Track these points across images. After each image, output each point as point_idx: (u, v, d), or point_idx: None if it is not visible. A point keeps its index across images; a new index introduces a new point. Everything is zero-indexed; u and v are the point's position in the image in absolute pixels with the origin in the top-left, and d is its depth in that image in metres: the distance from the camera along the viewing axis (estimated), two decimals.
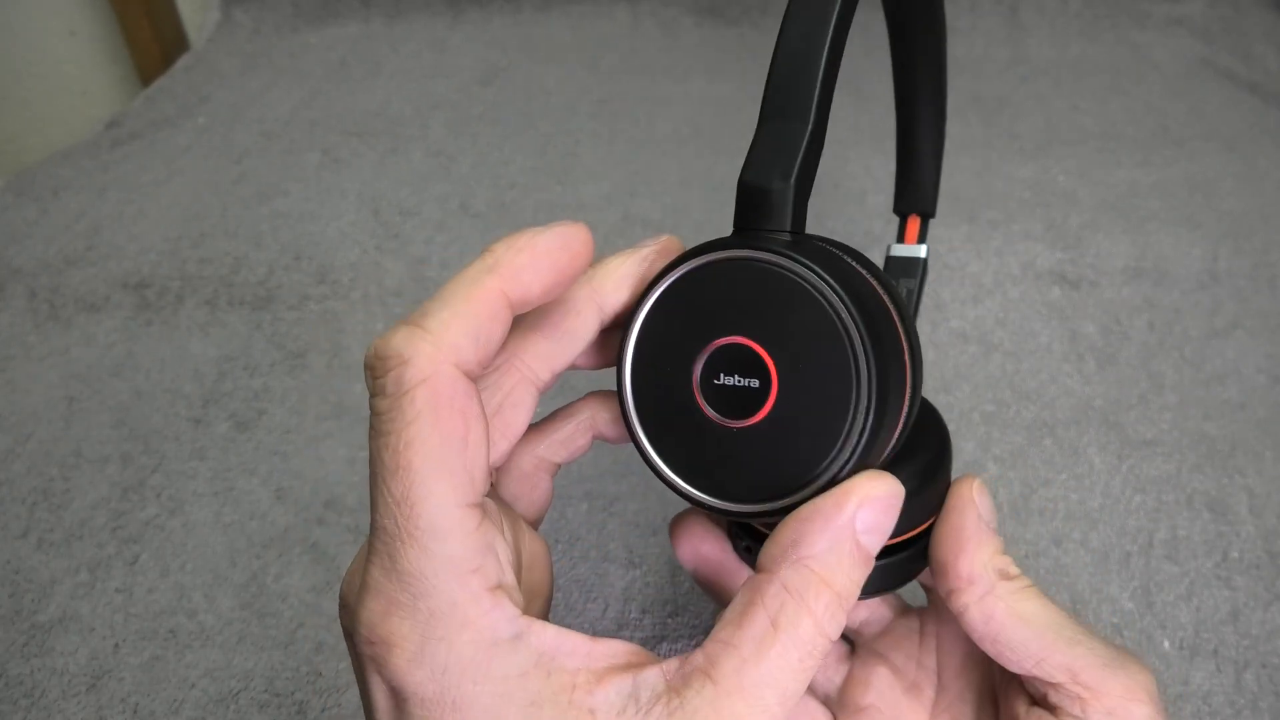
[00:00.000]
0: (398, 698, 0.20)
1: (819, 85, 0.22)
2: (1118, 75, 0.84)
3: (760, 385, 0.21)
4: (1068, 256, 0.60)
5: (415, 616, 0.19)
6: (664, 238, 0.24)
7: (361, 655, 0.20)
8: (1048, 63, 0.86)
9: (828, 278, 0.20)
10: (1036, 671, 0.24)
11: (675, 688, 0.19)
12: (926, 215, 0.36)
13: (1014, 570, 0.25)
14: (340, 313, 0.57)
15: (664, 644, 0.38)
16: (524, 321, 0.24)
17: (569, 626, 0.21)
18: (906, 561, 0.26)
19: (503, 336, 0.21)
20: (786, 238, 0.21)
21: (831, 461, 0.20)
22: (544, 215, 0.65)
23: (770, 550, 0.20)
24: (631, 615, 0.39)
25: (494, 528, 0.21)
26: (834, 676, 0.31)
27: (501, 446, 0.24)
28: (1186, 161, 0.70)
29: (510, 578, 0.21)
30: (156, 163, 0.75)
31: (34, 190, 0.71)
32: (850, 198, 0.66)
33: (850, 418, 0.20)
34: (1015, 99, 0.80)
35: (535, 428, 0.26)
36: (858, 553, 0.20)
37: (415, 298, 0.58)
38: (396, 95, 0.84)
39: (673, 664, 0.20)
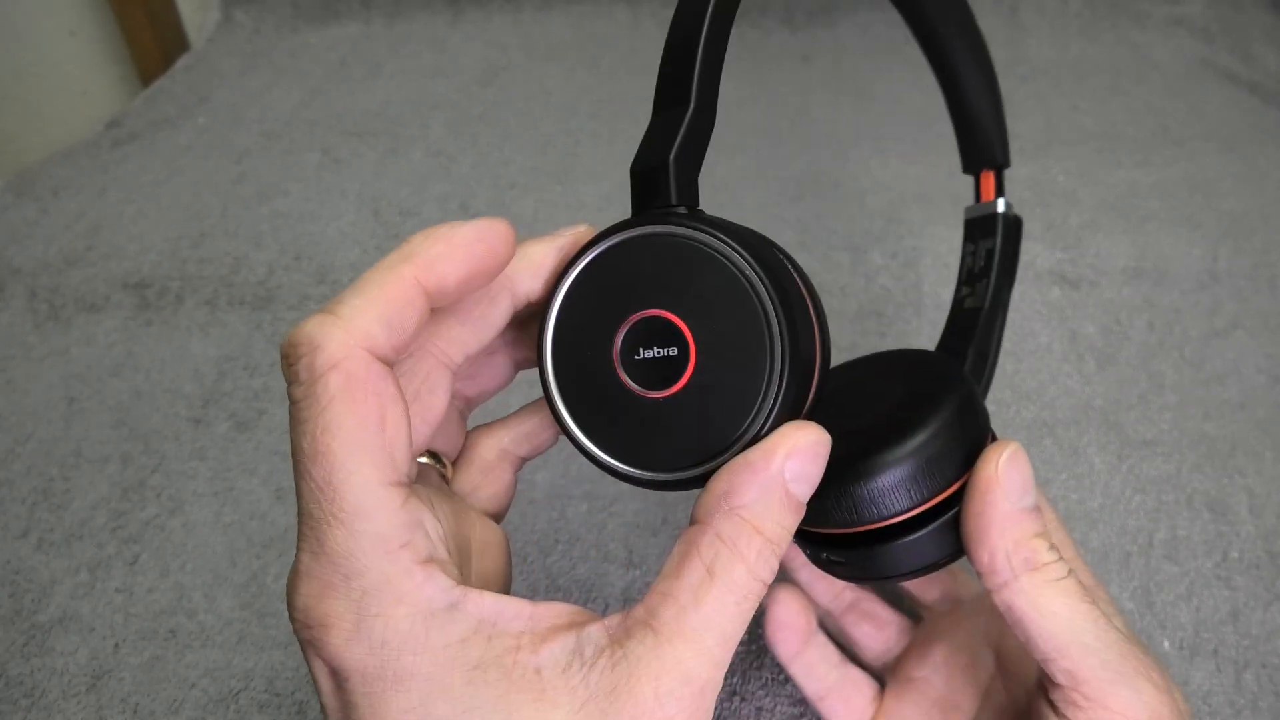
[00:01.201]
0: (338, 677, 0.20)
1: (698, 70, 0.23)
2: (1118, 75, 0.84)
3: (679, 353, 0.21)
4: (1068, 256, 0.60)
5: (349, 596, 0.20)
6: (579, 226, 0.25)
7: (301, 640, 0.20)
8: (1048, 63, 0.86)
9: (727, 239, 0.21)
10: (1044, 667, 0.24)
11: (618, 640, 0.20)
12: (999, 167, 0.34)
13: (1044, 557, 0.23)
14: None
15: None
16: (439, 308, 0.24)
17: None
18: (936, 535, 0.25)
19: (418, 324, 0.21)
20: (681, 211, 0.22)
21: (754, 419, 0.21)
22: (544, 215, 0.65)
23: (704, 502, 0.21)
24: None
25: (422, 505, 0.21)
26: (893, 647, 0.31)
27: (422, 430, 0.25)
28: (1186, 161, 0.70)
29: (442, 552, 0.21)
30: (156, 163, 0.75)
31: (34, 190, 0.71)
32: (850, 197, 0.66)
33: (768, 373, 0.21)
34: (1015, 99, 0.80)
35: (501, 421, 0.27)
36: (788, 500, 0.21)
37: None
38: (396, 95, 0.84)
39: (615, 619, 0.20)
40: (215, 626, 0.40)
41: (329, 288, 0.59)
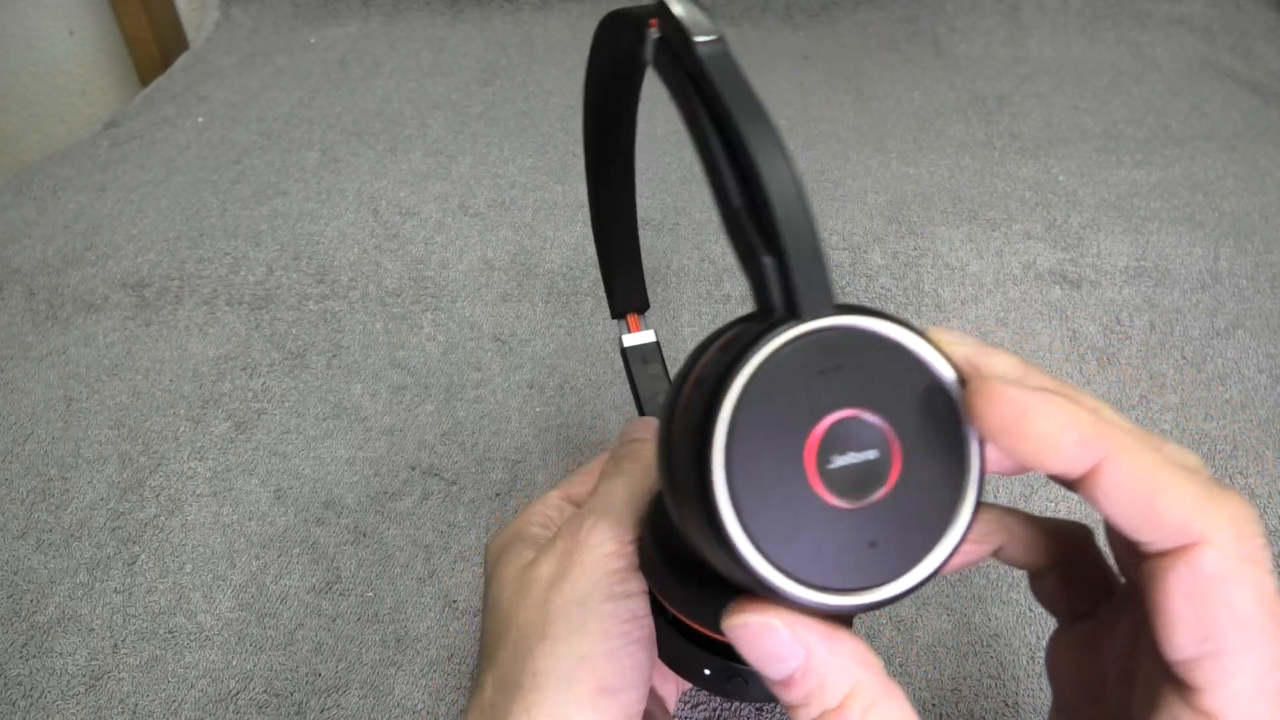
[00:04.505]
0: None
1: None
2: (1118, 75, 0.84)
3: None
4: (1068, 256, 0.60)
5: None
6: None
7: None
8: (1048, 62, 0.86)
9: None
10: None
11: None
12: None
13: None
14: (340, 313, 0.57)
15: None
16: None
17: None
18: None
19: None
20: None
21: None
22: (544, 215, 0.65)
23: None
24: None
25: None
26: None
27: None
28: (1187, 161, 0.70)
29: None
30: (156, 163, 0.75)
31: (34, 190, 0.71)
32: (850, 197, 0.66)
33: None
34: (1015, 99, 0.80)
35: None
36: None
37: (415, 297, 0.58)
38: (396, 95, 0.84)
39: None
40: (214, 627, 0.40)
41: (328, 287, 0.59)
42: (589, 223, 0.36)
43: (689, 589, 0.24)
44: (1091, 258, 0.59)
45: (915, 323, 0.20)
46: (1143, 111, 0.77)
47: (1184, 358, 0.51)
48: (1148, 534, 0.18)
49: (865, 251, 0.61)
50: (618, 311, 0.39)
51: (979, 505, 0.19)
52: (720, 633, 0.22)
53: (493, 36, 0.94)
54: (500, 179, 0.70)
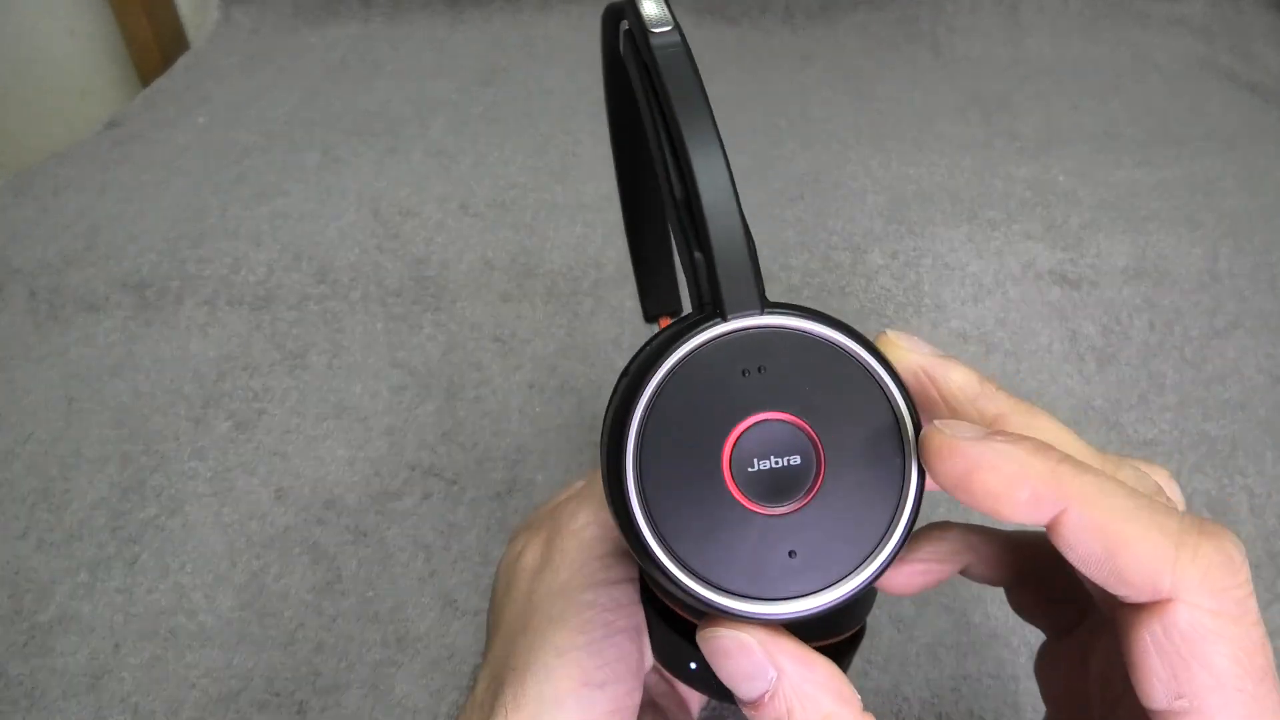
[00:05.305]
0: None
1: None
2: (1118, 75, 0.84)
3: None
4: (1068, 256, 0.60)
5: None
6: None
7: None
8: (1048, 63, 0.86)
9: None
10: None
11: None
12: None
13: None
14: (340, 313, 0.57)
15: None
16: None
17: None
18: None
19: None
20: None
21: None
22: (544, 215, 0.65)
23: None
24: None
25: None
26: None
27: None
28: (1187, 161, 0.70)
29: None
30: (156, 163, 0.75)
31: (34, 190, 0.71)
32: (850, 197, 0.66)
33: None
34: (1015, 99, 0.80)
35: None
36: None
37: (415, 298, 0.58)
38: (396, 95, 0.84)
39: None
40: (215, 626, 0.40)
41: (329, 287, 0.59)
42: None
43: None
44: (1091, 258, 0.60)
45: (864, 326, 0.20)
46: (1142, 111, 0.77)
47: (1183, 357, 0.52)
48: (1115, 589, 0.17)
49: (865, 251, 0.61)
50: (651, 315, 0.37)
51: (911, 525, 0.18)
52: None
53: (493, 37, 0.94)
54: (500, 179, 0.70)
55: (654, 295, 0.37)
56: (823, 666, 0.18)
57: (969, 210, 0.64)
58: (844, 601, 0.18)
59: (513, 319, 0.56)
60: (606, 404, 0.20)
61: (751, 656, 0.18)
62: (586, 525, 0.25)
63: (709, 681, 0.23)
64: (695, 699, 0.31)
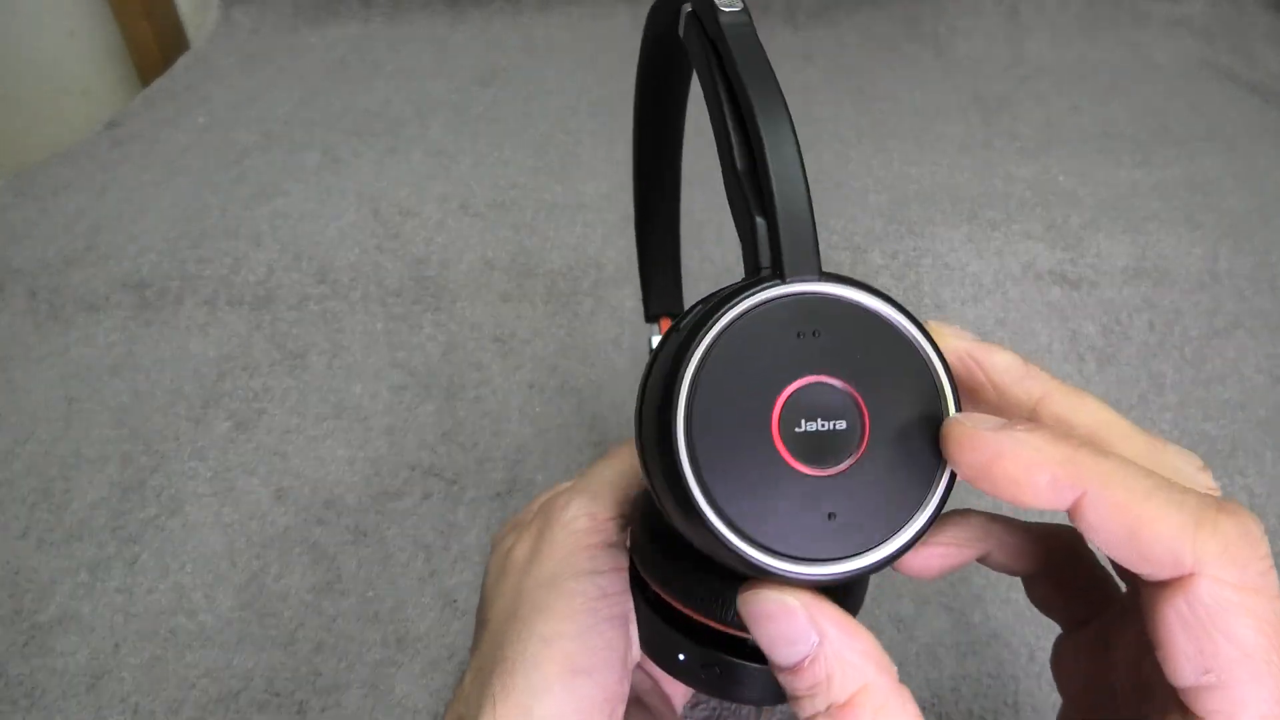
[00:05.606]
0: None
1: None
2: (1118, 75, 0.84)
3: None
4: (1068, 256, 0.60)
5: None
6: None
7: None
8: (1048, 63, 0.86)
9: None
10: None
11: None
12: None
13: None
14: (340, 313, 0.57)
15: None
16: None
17: None
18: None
19: None
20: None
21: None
22: (544, 215, 0.65)
23: None
24: None
25: None
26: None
27: None
28: (1187, 161, 0.70)
29: None
30: (156, 163, 0.75)
31: (34, 190, 0.71)
32: (850, 197, 0.66)
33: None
34: (1015, 99, 0.80)
35: None
36: None
37: (415, 298, 0.58)
38: (396, 95, 0.84)
39: None
40: (215, 626, 0.40)
41: (329, 287, 0.59)
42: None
43: (671, 565, 0.23)
44: (1091, 258, 0.60)
45: (912, 309, 0.20)
46: (1142, 112, 0.77)
47: (1183, 358, 0.52)
48: (1138, 567, 0.18)
49: (865, 251, 0.61)
50: (652, 314, 0.38)
51: (943, 505, 0.19)
52: (700, 614, 0.22)
53: (493, 37, 0.94)
54: (500, 179, 0.70)
55: (657, 294, 0.37)
56: (865, 634, 0.18)
57: (969, 210, 0.64)
58: (881, 565, 0.18)
59: (513, 319, 0.56)
60: (649, 364, 0.20)
61: (795, 620, 0.18)
62: (577, 518, 0.25)
63: (696, 674, 0.23)
64: (680, 694, 0.31)
